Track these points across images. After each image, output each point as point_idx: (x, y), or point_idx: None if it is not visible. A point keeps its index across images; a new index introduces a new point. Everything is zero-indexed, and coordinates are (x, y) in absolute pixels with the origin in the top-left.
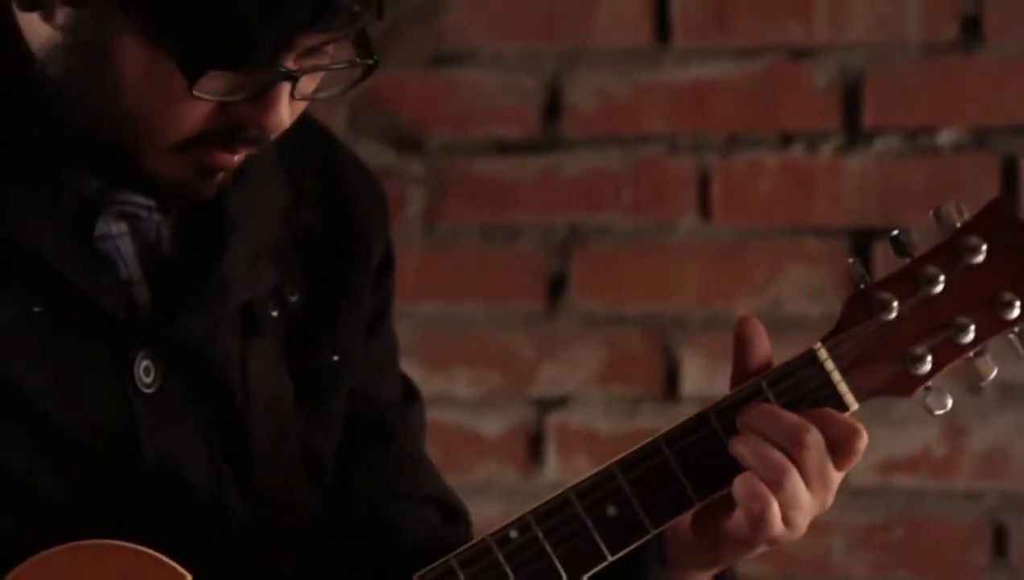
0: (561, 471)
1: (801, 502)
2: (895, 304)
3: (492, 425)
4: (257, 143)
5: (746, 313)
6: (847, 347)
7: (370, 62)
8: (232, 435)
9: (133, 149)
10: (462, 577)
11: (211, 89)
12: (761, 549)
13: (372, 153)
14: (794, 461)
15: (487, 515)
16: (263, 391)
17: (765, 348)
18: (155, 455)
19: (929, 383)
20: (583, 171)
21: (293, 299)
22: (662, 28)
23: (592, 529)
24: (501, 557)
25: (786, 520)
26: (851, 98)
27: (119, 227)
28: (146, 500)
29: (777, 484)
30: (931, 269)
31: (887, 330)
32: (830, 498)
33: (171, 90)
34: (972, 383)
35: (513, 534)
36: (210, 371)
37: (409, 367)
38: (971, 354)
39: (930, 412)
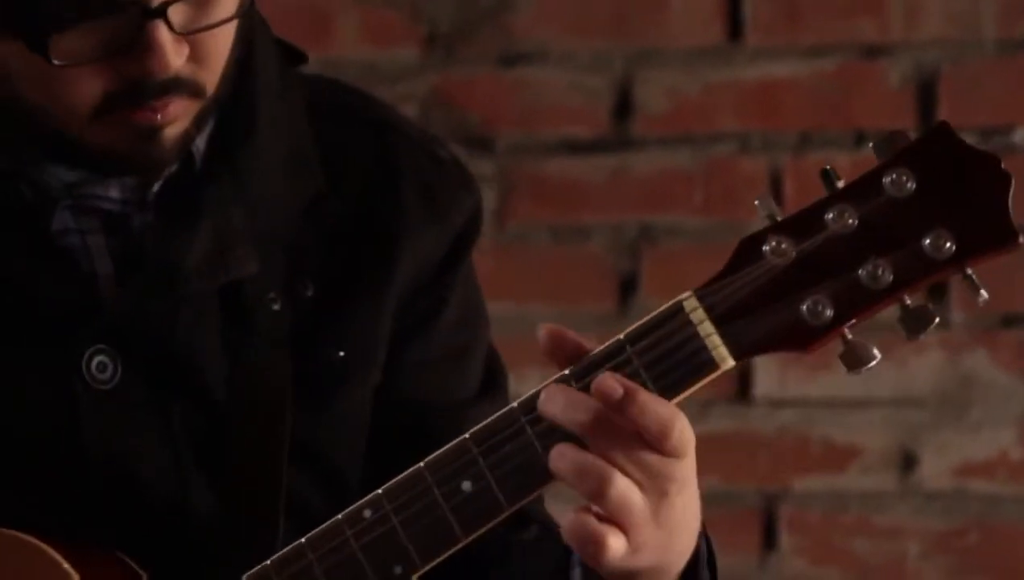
0: None
1: (632, 503)
2: (787, 246)
3: None
4: (170, 91)
5: (544, 329)
6: (724, 295)
7: None
8: (206, 432)
9: (65, 131)
10: (311, 557)
11: (72, 54)
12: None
13: None
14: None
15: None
16: (252, 388)
17: (575, 345)
18: (104, 452)
19: (847, 335)
20: (653, 171)
21: (308, 293)
22: (734, 26)
23: (444, 506)
24: (351, 537)
25: (624, 527)
26: (926, 96)
27: (89, 222)
28: (97, 497)
29: (599, 495)
30: (842, 206)
31: (779, 276)
32: (670, 487)
33: (46, 69)
34: (908, 332)
35: (367, 513)
36: (178, 365)
37: None
38: (905, 301)
39: (849, 370)
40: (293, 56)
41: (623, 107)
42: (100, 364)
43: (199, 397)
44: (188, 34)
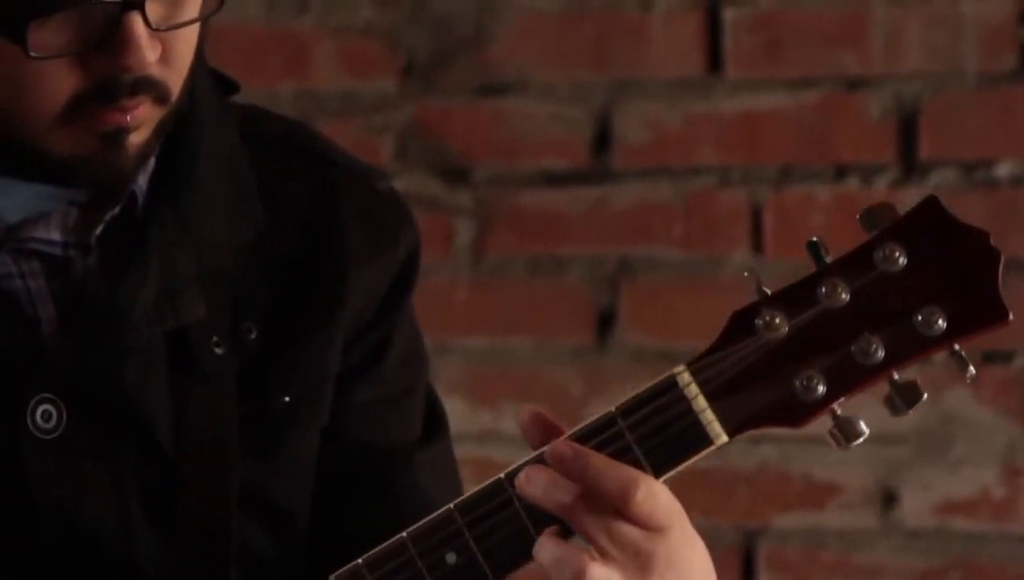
0: None
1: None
2: (780, 321)
3: None
4: (140, 91)
5: (524, 414)
6: (718, 370)
7: None
8: (154, 481)
9: (27, 138)
10: None
11: (51, 46)
12: None
13: (419, 184)
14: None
15: None
16: (199, 435)
17: (554, 429)
18: (51, 501)
19: (837, 411)
20: (633, 203)
21: (252, 336)
22: (714, 58)
23: (427, 577)
24: None
25: None
26: (907, 130)
27: (30, 266)
28: (43, 547)
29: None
30: (834, 280)
31: (772, 351)
32: (652, 564)
33: (20, 63)
34: (894, 409)
35: None
36: (126, 413)
37: (455, 402)
38: (894, 376)
39: (835, 445)
40: (226, 86)
41: (602, 139)
42: (45, 413)
43: (146, 446)
44: (162, 31)
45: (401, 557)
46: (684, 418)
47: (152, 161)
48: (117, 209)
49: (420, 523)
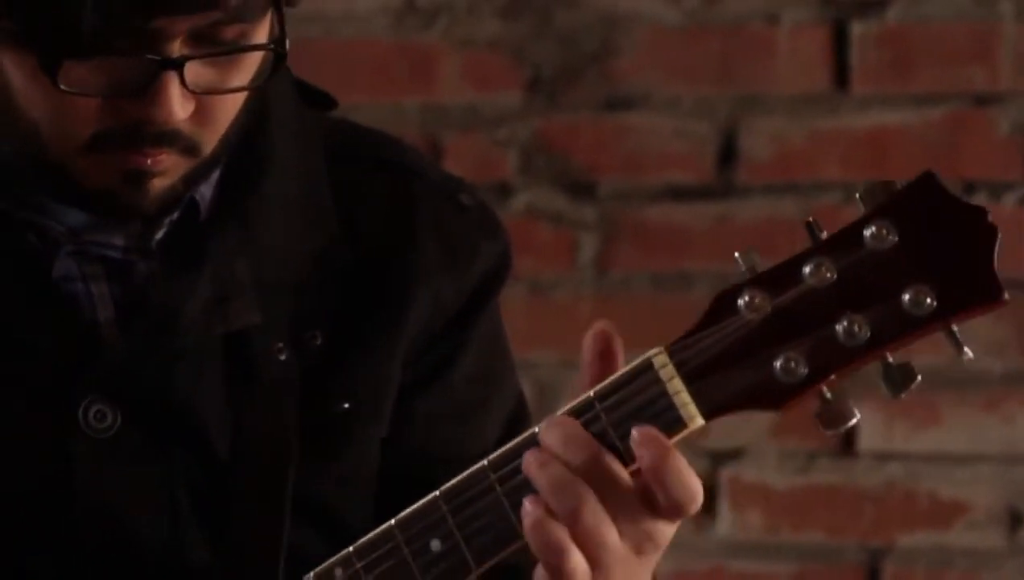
0: (734, 526)
1: (606, 538)
2: (762, 301)
3: None
4: (164, 143)
5: (601, 325)
6: (696, 351)
7: (271, 47)
8: (206, 485)
9: (57, 162)
10: None
11: (80, 83)
12: None
13: (543, 198)
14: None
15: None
16: (256, 440)
17: (616, 366)
18: (99, 501)
19: (826, 394)
20: (757, 219)
21: (317, 342)
22: (840, 74)
23: (413, 565)
24: None
25: (592, 560)
26: None
27: (92, 270)
28: (88, 547)
29: (572, 517)
30: (820, 259)
31: (753, 332)
32: (647, 547)
33: (49, 90)
34: (886, 393)
35: (337, 572)
36: (178, 416)
37: None
38: (887, 358)
39: (825, 430)
40: (320, 101)
41: (727, 154)
42: (98, 413)
43: (200, 449)
44: (198, 93)
45: (388, 544)
46: (658, 401)
47: (218, 170)
48: (176, 215)
49: (407, 510)
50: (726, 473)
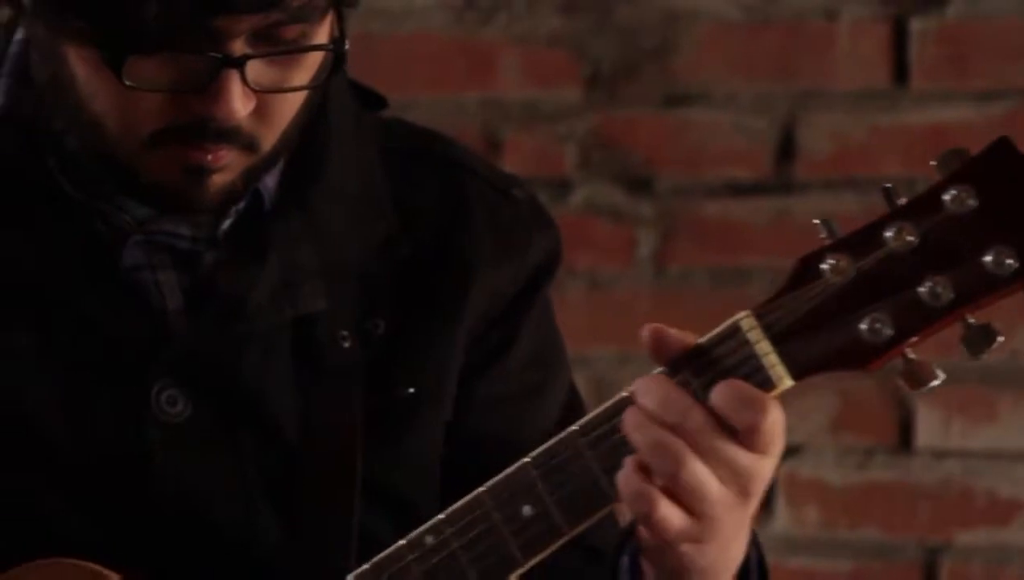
0: (791, 522)
1: (706, 492)
2: (846, 264)
3: None
4: (225, 139)
5: (648, 328)
6: (781, 314)
7: (331, 48)
8: (277, 468)
9: (122, 157)
10: None
11: (144, 79)
12: (691, 547)
13: (602, 194)
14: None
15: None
16: (325, 424)
17: (679, 342)
18: (172, 485)
19: (909, 354)
20: (816, 214)
21: (380, 330)
22: (900, 69)
23: (504, 531)
24: (412, 562)
25: (696, 514)
26: None
27: (160, 258)
28: (163, 530)
29: (673, 476)
30: (901, 224)
31: (838, 294)
32: (753, 486)
33: (113, 85)
34: (971, 351)
35: (428, 539)
36: (247, 400)
37: None
38: (968, 319)
39: (908, 389)
40: (371, 100)
41: (786, 149)
42: (170, 397)
43: (269, 433)
44: (259, 91)
45: (478, 510)
46: (748, 362)
47: (281, 162)
48: (242, 205)
49: (496, 477)
50: (783, 469)
